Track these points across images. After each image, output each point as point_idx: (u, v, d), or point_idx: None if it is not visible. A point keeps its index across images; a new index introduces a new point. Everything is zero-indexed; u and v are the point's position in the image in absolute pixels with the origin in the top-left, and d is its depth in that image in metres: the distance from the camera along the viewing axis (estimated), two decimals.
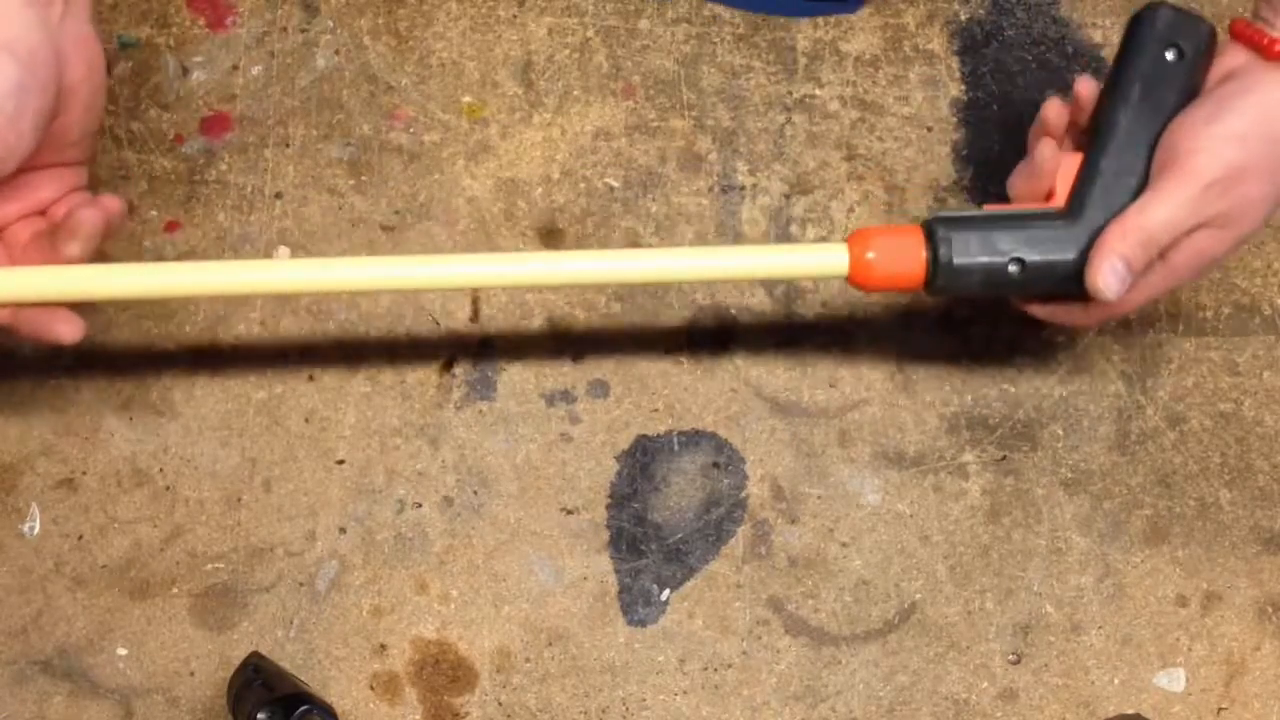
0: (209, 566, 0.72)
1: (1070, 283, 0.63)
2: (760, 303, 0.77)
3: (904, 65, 0.82)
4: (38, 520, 0.73)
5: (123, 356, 0.75)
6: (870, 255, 0.62)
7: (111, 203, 0.63)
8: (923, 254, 0.63)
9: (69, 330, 0.62)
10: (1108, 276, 0.61)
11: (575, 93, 0.81)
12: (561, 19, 0.82)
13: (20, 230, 0.63)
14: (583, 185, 0.79)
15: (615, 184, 0.79)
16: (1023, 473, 0.75)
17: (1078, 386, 0.77)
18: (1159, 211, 0.60)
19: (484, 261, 0.63)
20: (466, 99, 0.80)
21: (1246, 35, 0.62)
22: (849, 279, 0.63)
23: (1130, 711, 0.71)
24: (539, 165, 0.79)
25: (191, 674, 0.71)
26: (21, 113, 0.57)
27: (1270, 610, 0.74)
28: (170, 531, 0.73)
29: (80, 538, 0.72)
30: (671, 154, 0.80)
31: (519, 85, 0.80)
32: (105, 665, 0.71)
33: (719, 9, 0.82)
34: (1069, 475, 0.75)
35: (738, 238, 0.78)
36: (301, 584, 0.72)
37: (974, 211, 0.63)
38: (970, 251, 0.62)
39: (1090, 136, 0.64)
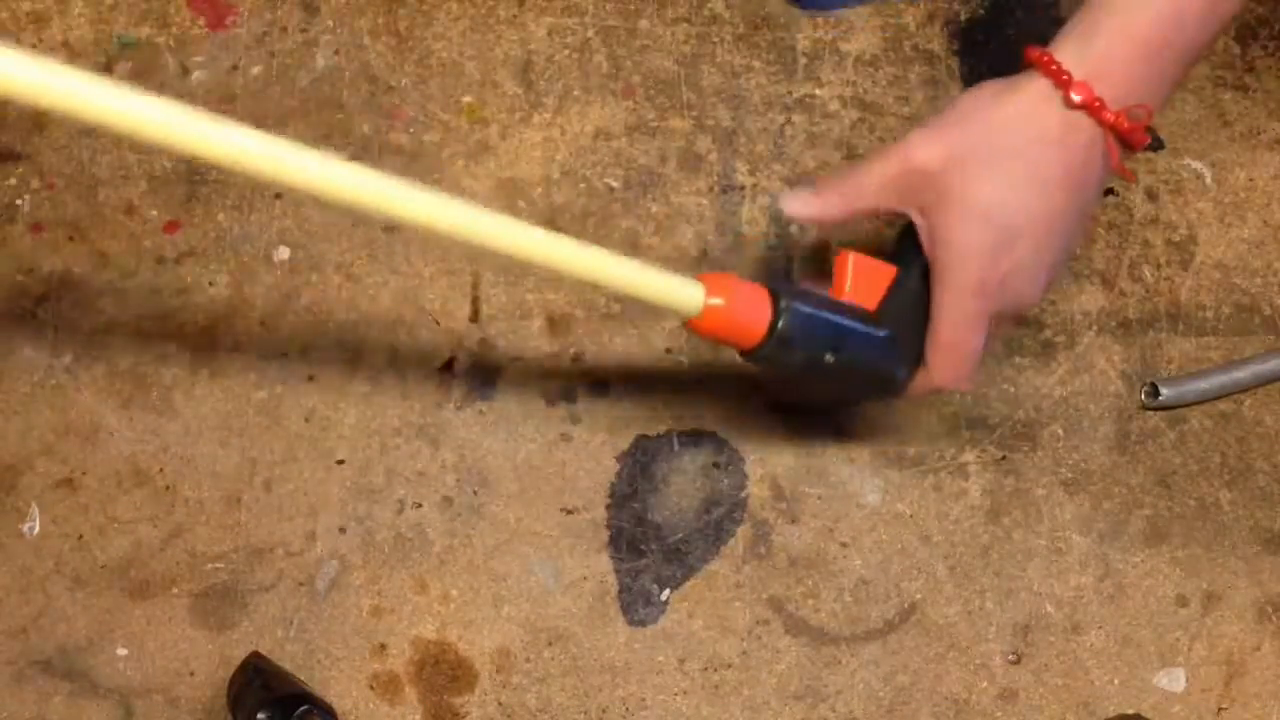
0: (209, 566, 0.72)
1: (871, 382, 0.64)
2: None
3: (904, 65, 0.82)
4: (38, 520, 0.73)
5: (123, 357, 0.75)
6: (718, 302, 0.59)
7: None
8: (766, 319, 0.60)
9: None
10: (954, 385, 0.64)
11: (575, 93, 0.81)
12: (561, 19, 0.82)
13: None
14: (583, 185, 0.79)
15: (615, 184, 0.79)
16: (1023, 473, 0.75)
17: (1078, 386, 0.77)
18: (949, 329, 0.61)
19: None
20: (466, 99, 0.80)
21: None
22: (690, 320, 0.60)
23: (1130, 711, 0.71)
24: (539, 165, 0.79)
25: (191, 674, 0.71)
26: None
27: (1270, 610, 0.74)
28: (170, 531, 0.73)
29: (80, 538, 0.72)
30: (671, 154, 0.80)
31: (519, 85, 0.80)
32: (105, 665, 0.71)
33: (719, 9, 0.82)
34: (1069, 475, 0.75)
35: (738, 238, 0.78)
36: (301, 584, 0.72)
37: (814, 291, 0.62)
38: (801, 331, 0.60)
39: (898, 247, 0.64)
